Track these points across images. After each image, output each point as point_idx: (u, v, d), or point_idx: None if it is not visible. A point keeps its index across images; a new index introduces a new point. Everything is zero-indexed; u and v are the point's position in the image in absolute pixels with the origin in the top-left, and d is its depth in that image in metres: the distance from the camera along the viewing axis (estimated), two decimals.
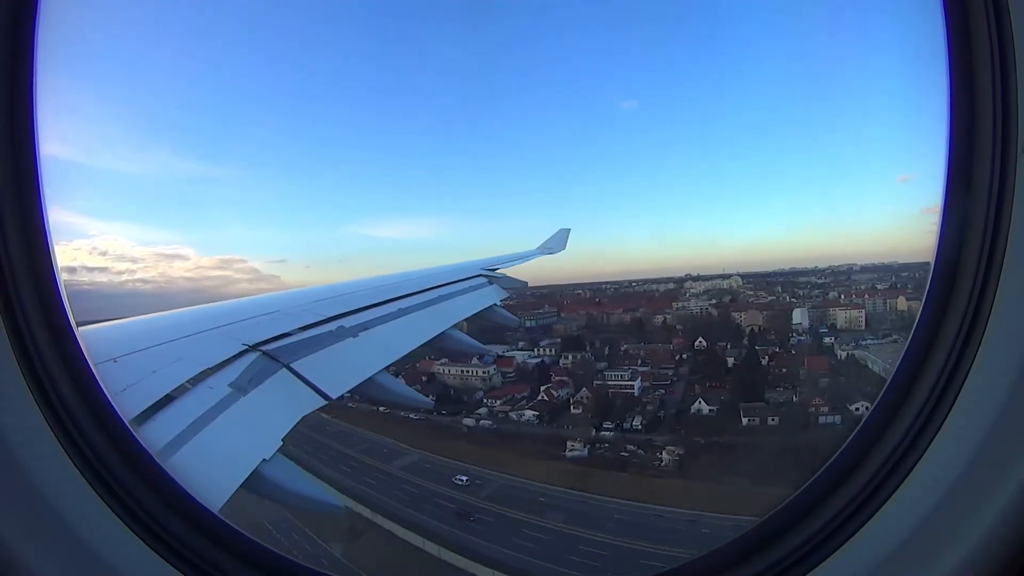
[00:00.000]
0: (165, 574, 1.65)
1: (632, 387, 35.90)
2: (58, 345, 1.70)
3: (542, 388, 36.69)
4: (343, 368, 4.00)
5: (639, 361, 38.60)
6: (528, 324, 41.86)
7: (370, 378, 4.02)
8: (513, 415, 35.35)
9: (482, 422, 35.27)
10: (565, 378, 37.58)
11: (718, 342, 38.92)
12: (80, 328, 1.78)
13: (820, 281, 44.41)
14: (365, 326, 4.78)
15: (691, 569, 1.74)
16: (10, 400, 1.56)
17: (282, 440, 2.86)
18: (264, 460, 2.68)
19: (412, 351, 4.87)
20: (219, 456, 2.60)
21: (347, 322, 4.69)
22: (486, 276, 7.69)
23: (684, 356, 38.73)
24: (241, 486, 2.49)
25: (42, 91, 1.66)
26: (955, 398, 1.53)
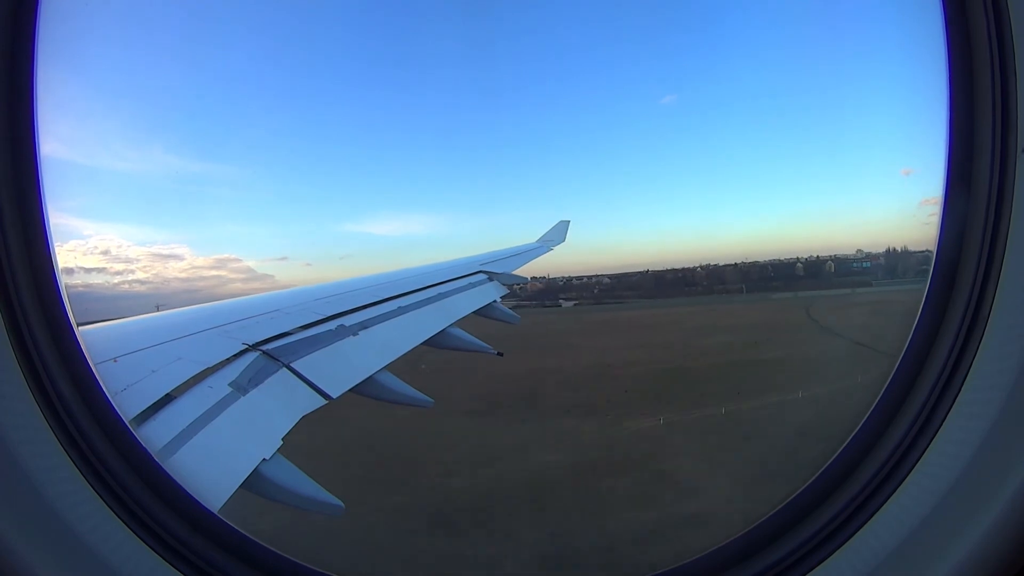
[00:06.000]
0: (165, 574, 1.65)
1: None
2: (58, 345, 1.69)
3: None
4: (343, 367, 4.00)
5: None
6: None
7: (371, 376, 4.02)
8: None
9: None
10: None
11: None
12: (80, 328, 1.77)
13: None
14: (365, 324, 4.79)
15: (691, 569, 1.74)
16: (10, 400, 1.55)
17: (282, 440, 2.86)
18: (264, 460, 2.68)
19: (412, 349, 4.88)
20: (219, 456, 2.59)
21: (347, 320, 4.70)
22: (486, 273, 7.70)
23: None
24: (241, 486, 2.49)
25: (41, 90, 1.65)
26: (955, 398, 1.53)
